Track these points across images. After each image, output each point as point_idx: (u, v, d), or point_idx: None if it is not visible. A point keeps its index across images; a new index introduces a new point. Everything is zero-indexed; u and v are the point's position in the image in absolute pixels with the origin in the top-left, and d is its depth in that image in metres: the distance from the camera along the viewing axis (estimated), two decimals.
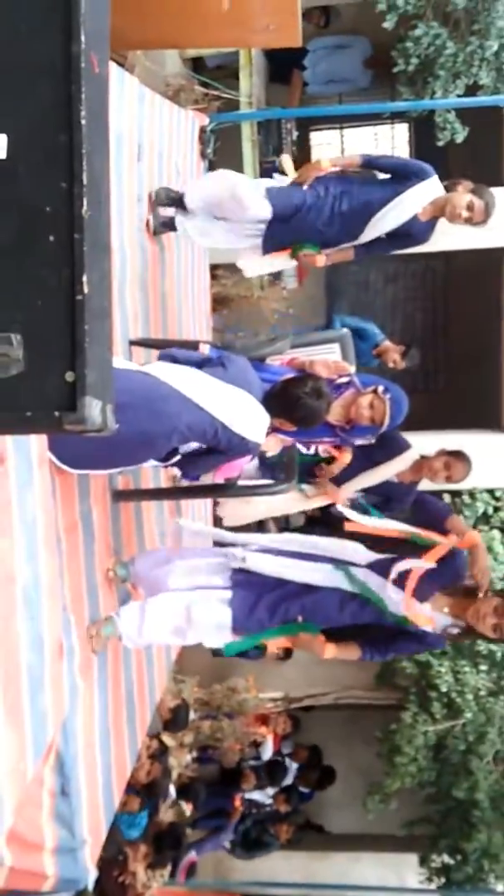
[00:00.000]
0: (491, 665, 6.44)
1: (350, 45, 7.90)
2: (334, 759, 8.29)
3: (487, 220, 3.87)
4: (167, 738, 6.40)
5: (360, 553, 3.33)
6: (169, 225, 4.29)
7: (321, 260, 3.88)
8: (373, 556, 3.30)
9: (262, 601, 3.19)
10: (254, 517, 4.37)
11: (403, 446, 3.92)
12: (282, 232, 3.88)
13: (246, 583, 3.21)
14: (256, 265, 4.21)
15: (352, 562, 3.29)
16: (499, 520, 6.89)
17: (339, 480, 3.97)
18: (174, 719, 6.38)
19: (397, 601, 3.13)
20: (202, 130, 5.69)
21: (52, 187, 1.44)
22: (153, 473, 4.13)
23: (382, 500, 4.05)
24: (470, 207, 3.81)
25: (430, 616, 3.13)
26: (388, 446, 3.89)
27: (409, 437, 4.03)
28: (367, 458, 3.90)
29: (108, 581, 3.33)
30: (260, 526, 5.20)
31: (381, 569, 3.22)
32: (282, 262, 4.14)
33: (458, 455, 4.01)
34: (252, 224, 3.92)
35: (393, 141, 9.80)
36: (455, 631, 3.14)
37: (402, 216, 3.82)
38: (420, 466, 4.00)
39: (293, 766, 8.02)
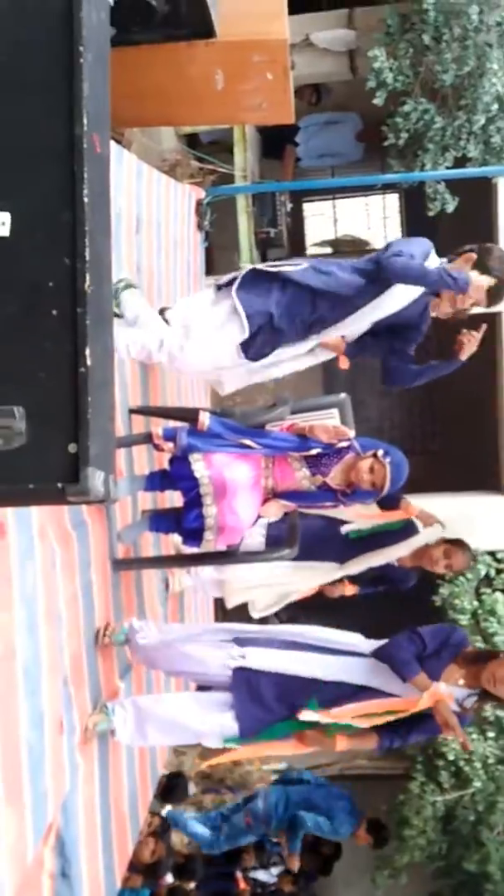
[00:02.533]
0: (498, 732, 6.33)
1: (341, 120, 8.15)
2: None
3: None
4: None
5: (362, 643, 3.29)
6: None
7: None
8: (374, 643, 3.26)
9: (265, 702, 3.11)
10: (253, 594, 4.28)
11: (411, 532, 3.90)
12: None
13: (247, 684, 3.13)
14: (235, 381, 3.89)
15: (356, 651, 3.24)
16: (501, 582, 6.85)
17: (344, 557, 3.96)
18: (171, 789, 6.16)
19: (410, 688, 3.06)
20: (198, 203, 5.83)
21: (55, 264, 1.47)
22: (154, 541, 4.11)
23: (377, 578, 4.05)
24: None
25: (449, 693, 3.04)
26: (399, 530, 3.90)
27: (409, 499, 4.03)
28: (374, 538, 3.89)
29: (107, 649, 3.28)
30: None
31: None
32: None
33: (459, 543, 3.94)
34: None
35: (384, 211, 10.03)
36: (473, 703, 3.06)
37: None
38: (421, 554, 3.95)
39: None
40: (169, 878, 6.11)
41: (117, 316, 3.63)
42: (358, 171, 8.27)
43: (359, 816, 6.19)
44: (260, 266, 3.65)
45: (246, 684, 3.14)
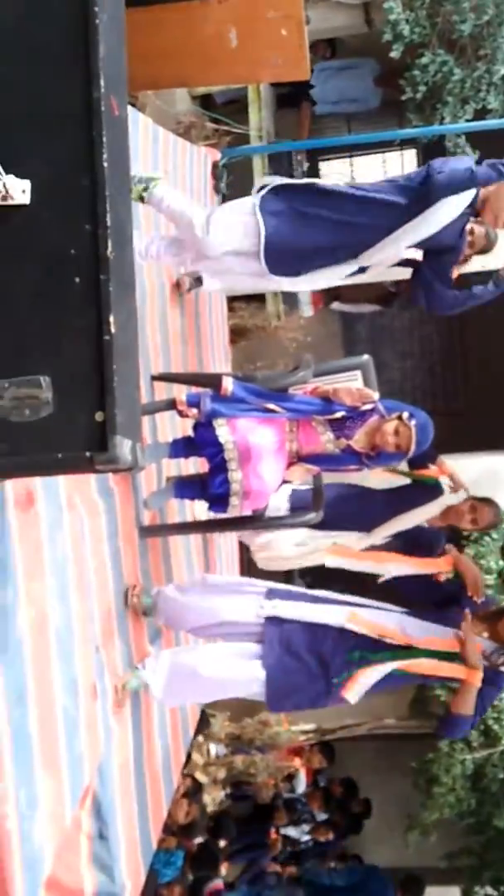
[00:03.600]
0: None
1: (358, 66, 7.96)
2: (370, 790, 8.14)
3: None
4: (200, 776, 6.32)
5: (394, 607, 3.31)
6: (200, 280, 4.35)
7: None
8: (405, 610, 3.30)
9: (294, 651, 3.12)
10: (287, 565, 4.34)
11: (438, 492, 3.91)
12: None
13: (279, 634, 3.15)
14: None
15: (387, 608, 3.28)
16: None
17: (372, 524, 3.96)
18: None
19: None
20: (214, 165, 5.75)
21: (76, 230, 1.45)
22: (179, 508, 4.12)
23: (411, 544, 4.05)
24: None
25: (479, 642, 3.08)
26: (426, 490, 3.90)
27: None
28: (402, 501, 3.89)
29: (135, 613, 3.31)
30: (287, 578, 5.16)
31: (417, 611, 3.22)
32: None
33: (485, 500, 3.97)
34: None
35: (402, 168, 9.85)
36: (501, 659, 3.08)
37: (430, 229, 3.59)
38: (448, 512, 3.97)
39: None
40: (200, 839, 6.22)
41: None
42: (375, 126, 8.10)
43: (392, 888, 6.50)
44: (282, 180, 3.56)
45: (277, 634, 3.16)
